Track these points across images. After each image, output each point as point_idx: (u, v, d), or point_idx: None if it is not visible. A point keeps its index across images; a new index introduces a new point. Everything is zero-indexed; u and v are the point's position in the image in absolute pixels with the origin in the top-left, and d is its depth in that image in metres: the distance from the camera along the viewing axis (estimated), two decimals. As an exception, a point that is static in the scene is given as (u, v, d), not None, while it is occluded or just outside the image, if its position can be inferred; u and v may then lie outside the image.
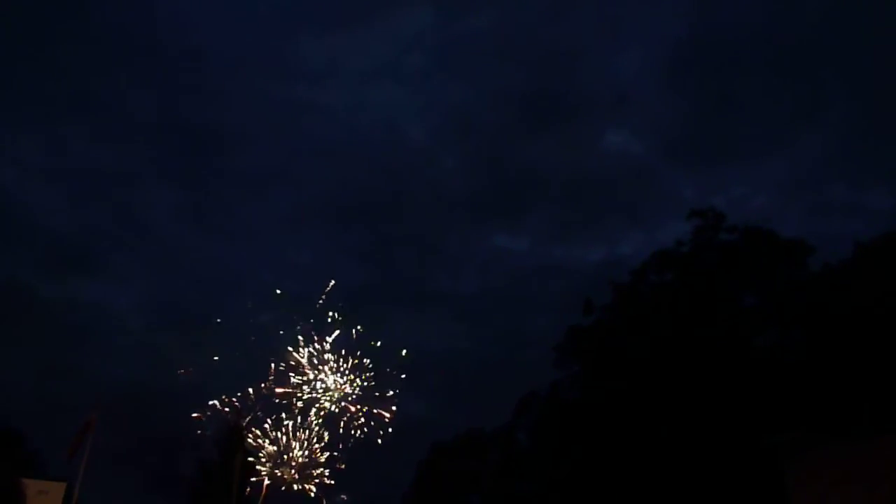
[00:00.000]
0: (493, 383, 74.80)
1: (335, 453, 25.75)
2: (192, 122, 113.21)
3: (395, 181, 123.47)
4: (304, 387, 24.60)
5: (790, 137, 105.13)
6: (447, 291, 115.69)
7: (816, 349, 26.39)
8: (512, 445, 42.50)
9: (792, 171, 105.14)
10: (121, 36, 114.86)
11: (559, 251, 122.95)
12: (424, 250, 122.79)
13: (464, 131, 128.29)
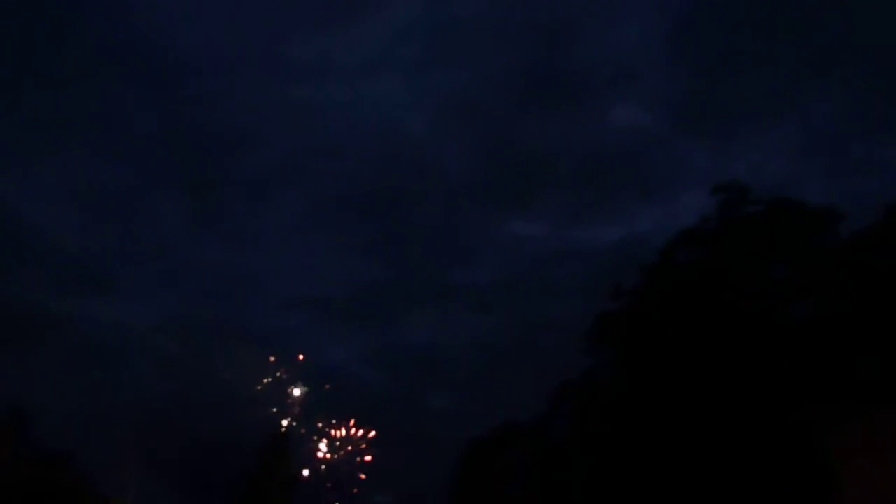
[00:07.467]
0: (520, 373, 73.47)
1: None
2: (192, 131, 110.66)
3: (401, 175, 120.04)
4: None
5: (803, 97, 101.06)
6: (466, 283, 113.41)
7: (852, 318, 25.75)
8: (549, 435, 42.32)
9: (807, 132, 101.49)
10: (116, 53, 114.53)
11: (576, 233, 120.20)
12: (439, 243, 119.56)
13: (466, 118, 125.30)
